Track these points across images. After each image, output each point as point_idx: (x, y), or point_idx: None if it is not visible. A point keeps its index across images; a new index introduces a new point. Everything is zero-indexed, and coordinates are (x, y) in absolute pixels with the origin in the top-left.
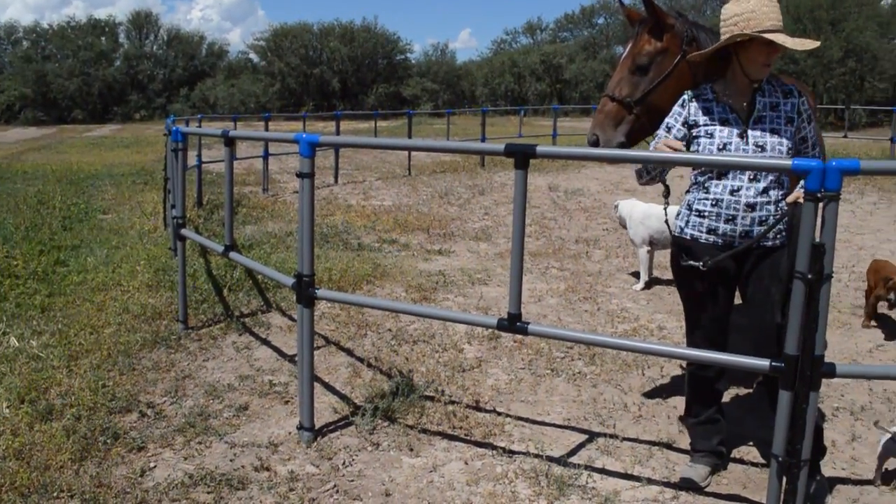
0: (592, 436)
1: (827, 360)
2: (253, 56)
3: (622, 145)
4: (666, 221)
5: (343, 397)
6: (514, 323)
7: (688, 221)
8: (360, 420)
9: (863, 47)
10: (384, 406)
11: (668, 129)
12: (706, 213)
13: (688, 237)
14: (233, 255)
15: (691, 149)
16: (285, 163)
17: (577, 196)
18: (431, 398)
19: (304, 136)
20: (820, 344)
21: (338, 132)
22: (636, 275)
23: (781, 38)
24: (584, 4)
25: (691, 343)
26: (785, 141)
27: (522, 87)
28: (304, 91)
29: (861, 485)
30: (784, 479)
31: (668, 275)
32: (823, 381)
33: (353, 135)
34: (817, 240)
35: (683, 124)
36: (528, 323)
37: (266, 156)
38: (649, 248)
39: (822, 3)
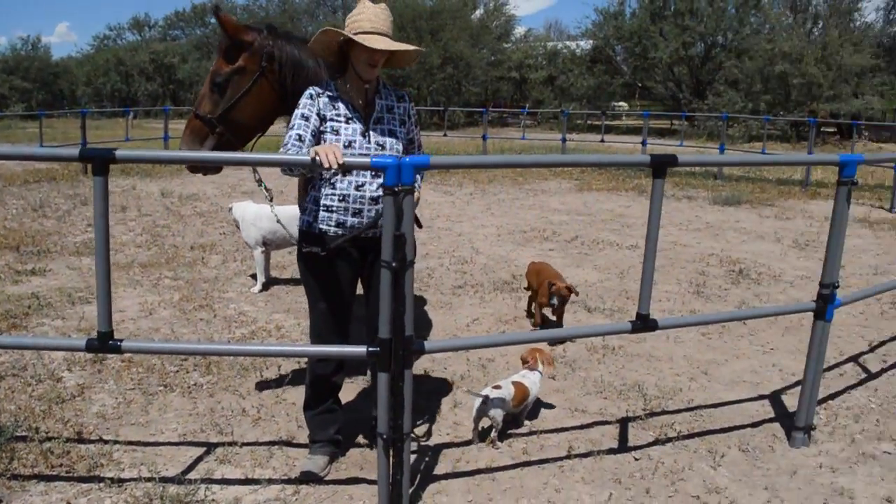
0: (210, 447)
1: (431, 337)
2: None
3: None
4: (278, 221)
5: None
6: (105, 342)
7: (316, 216)
8: None
9: (458, 55)
10: None
11: (307, 119)
12: (334, 208)
13: (316, 231)
14: None
15: (319, 143)
16: None
17: (192, 201)
18: (24, 438)
19: None
20: (409, 326)
21: None
22: (255, 277)
23: (361, 38)
24: (195, 2)
25: (315, 335)
26: (400, 141)
27: (131, 87)
28: None
29: (462, 446)
30: (391, 453)
31: (286, 274)
32: (429, 357)
33: None
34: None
35: (317, 115)
36: (121, 341)
37: None
38: (264, 248)
39: (422, 13)
